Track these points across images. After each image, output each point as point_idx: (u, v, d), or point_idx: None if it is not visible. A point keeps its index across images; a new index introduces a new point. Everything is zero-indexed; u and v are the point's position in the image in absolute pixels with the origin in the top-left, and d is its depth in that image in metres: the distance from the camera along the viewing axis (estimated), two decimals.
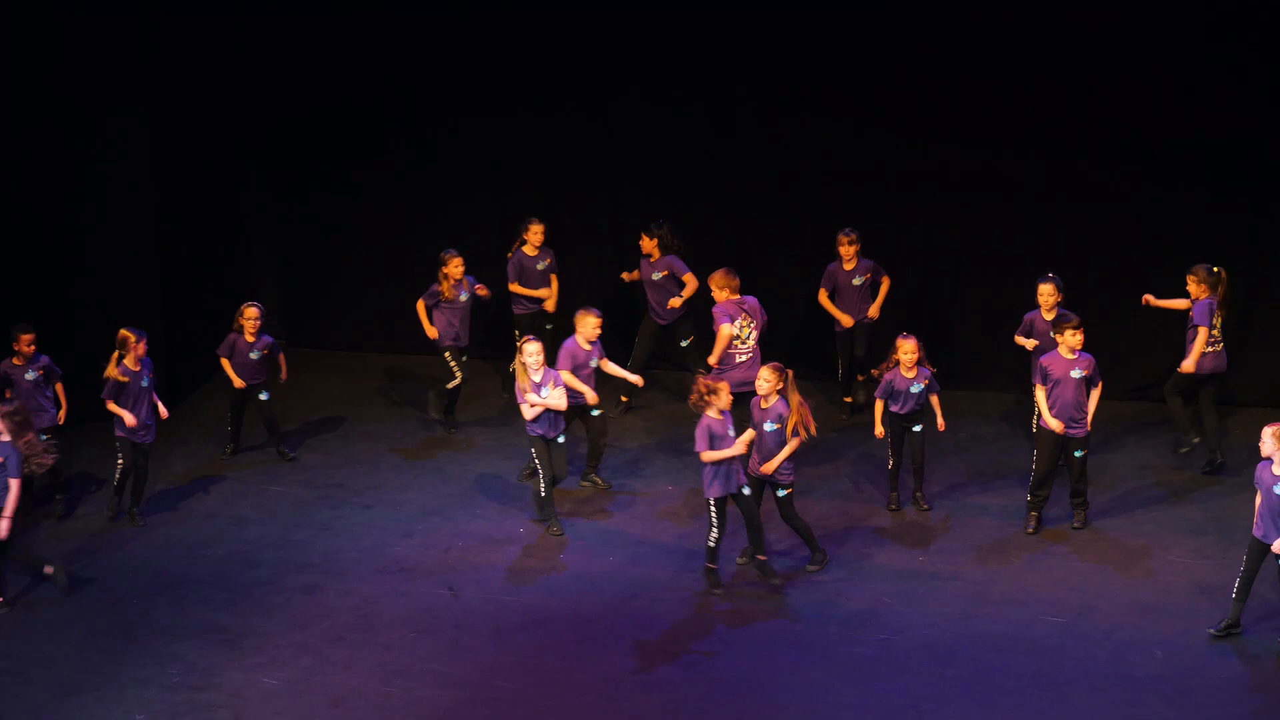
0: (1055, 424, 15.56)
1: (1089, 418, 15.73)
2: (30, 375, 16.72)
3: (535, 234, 19.01)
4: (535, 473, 16.41)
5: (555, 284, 19.19)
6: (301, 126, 20.95)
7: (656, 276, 18.82)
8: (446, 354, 18.44)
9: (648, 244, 18.79)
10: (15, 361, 16.74)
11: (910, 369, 16.06)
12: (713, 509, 14.85)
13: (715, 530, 14.89)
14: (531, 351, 15.98)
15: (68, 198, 18.79)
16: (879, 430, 16.34)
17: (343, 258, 21.26)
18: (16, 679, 13.70)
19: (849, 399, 18.89)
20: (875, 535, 16.02)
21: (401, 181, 20.79)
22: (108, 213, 19.04)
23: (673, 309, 18.78)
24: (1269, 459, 13.77)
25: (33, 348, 16.78)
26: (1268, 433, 13.72)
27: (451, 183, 20.63)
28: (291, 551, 16.06)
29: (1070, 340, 15.70)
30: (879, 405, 16.32)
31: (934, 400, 16.28)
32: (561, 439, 16.26)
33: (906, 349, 16.03)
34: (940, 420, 16.30)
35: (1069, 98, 18.45)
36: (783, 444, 14.99)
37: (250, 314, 17.76)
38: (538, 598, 15.02)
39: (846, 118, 19.16)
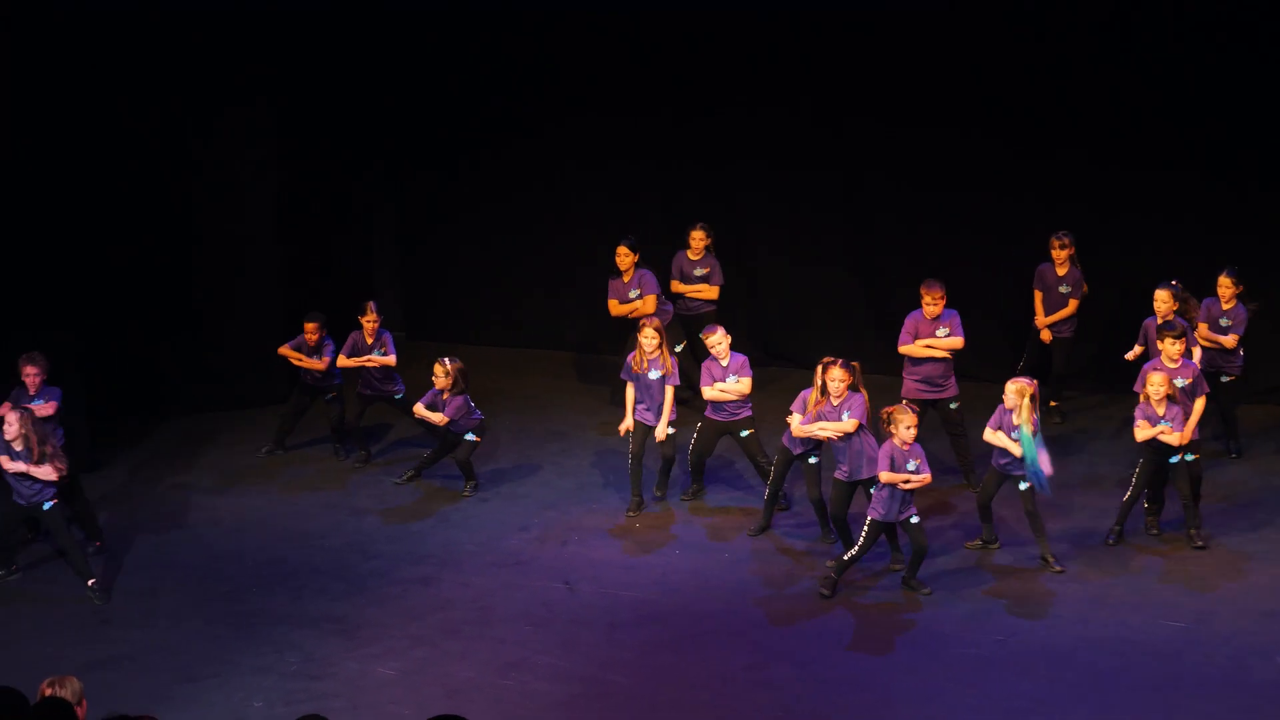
0: (1141, 433, 15.34)
1: (1190, 427, 15.33)
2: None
3: (696, 239, 18.82)
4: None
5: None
6: (423, 117, 21.10)
7: (634, 295, 18.58)
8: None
9: (627, 259, 18.48)
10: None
11: (1159, 402, 15.19)
12: (865, 528, 14.72)
13: (856, 549, 14.74)
14: (836, 378, 15.31)
15: (189, 185, 18.98)
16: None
17: (461, 250, 21.41)
18: (137, 665, 13.87)
19: (1055, 403, 18.63)
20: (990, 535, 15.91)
21: (521, 175, 20.89)
22: (227, 200, 19.24)
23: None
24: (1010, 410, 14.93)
25: (317, 335, 17.67)
26: (1010, 388, 14.81)
27: (569, 179, 20.74)
28: (408, 543, 16.16)
29: (1170, 349, 15.50)
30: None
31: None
32: (814, 459, 15.74)
33: (1154, 382, 15.19)
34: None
35: (1192, 111, 18.29)
36: (867, 440, 14.96)
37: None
38: (652, 593, 15.03)
39: (967, 123, 19.07)
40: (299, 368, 17.90)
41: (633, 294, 18.61)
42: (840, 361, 15.17)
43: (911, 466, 14.48)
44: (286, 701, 13.14)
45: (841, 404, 15.04)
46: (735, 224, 19.86)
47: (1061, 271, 18.07)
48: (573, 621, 14.53)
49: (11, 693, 8.34)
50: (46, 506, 14.94)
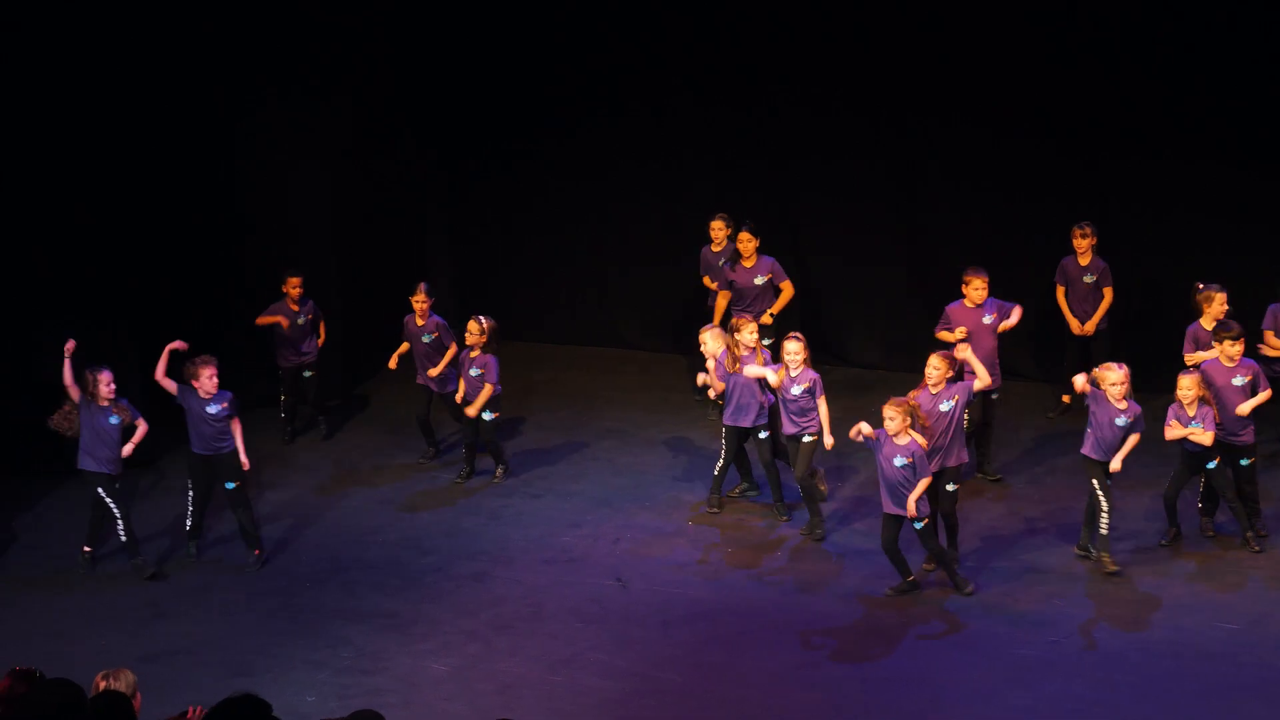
0: (1171, 432, 15.20)
1: (1250, 406, 15.25)
2: (301, 320, 18.23)
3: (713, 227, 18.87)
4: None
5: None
6: (477, 112, 21.14)
7: (759, 281, 18.36)
8: None
9: (749, 245, 18.30)
10: (292, 306, 18.24)
11: (1190, 404, 15.04)
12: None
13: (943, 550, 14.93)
14: (791, 351, 15.72)
15: (239, 180, 19.06)
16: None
17: (515, 246, 21.46)
18: (191, 659, 13.97)
19: (1067, 398, 18.61)
20: (1047, 537, 15.84)
21: (575, 171, 20.93)
22: (278, 197, 19.35)
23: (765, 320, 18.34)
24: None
25: (300, 289, 18.14)
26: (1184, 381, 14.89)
27: (622, 175, 20.74)
28: (461, 539, 16.21)
29: (1230, 350, 15.38)
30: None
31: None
32: (809, 438, 15.86)
33: (1184, 385, 15.04)
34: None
35: (1250, 111, 18.19)
36: (959, 428, 14.91)
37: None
38: (704, 591, 15.04)
39: (1018, 123, 19.04)
40: (279, 358, 18.27)
41: (758, 280, 18.39)
42: (944, 353, 15.16)
43: (900, 463, 14.43)
44: (339, 696, 13.18)
45: (940, 394, 14.99)
46: (789, 221, 19.85)
47: (1084, 261, 18.00)
48: (624, 619, 14.55)
49: (69, 685, 8.39)
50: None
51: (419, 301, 17.58)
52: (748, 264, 18.37)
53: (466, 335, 17.05)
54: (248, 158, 19.04)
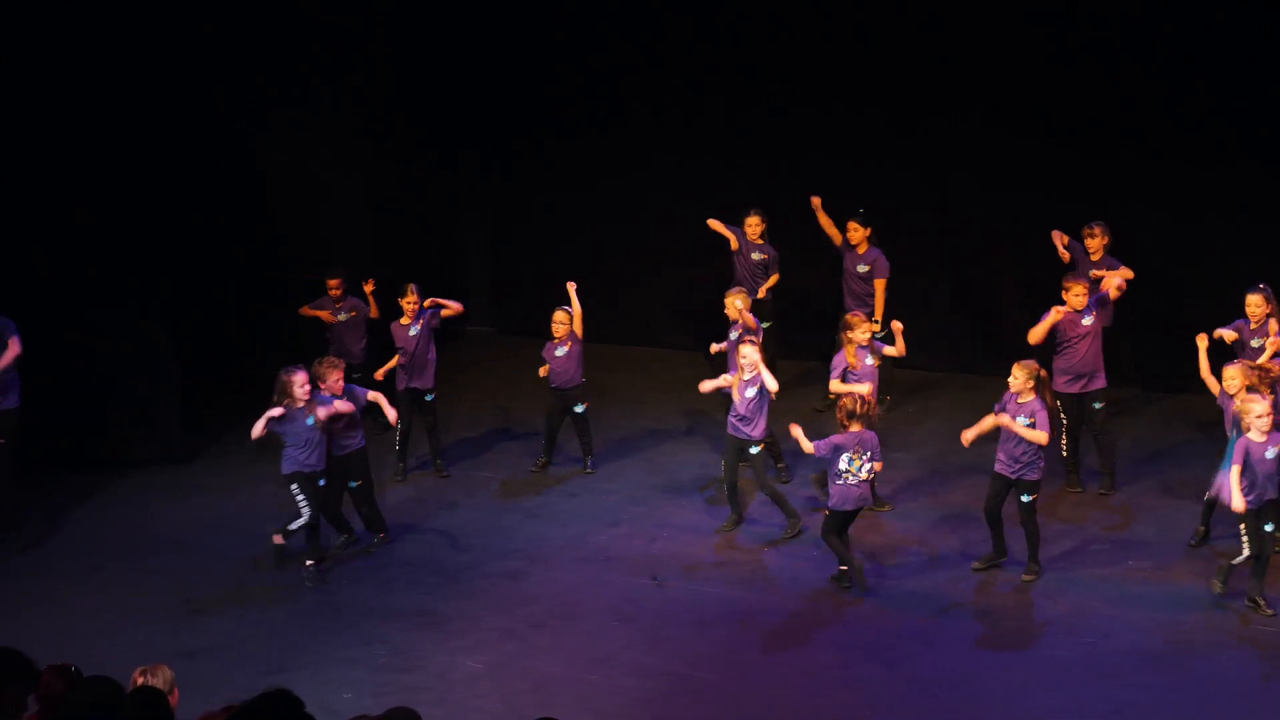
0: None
1: None
2: (343, 316, 18.34)
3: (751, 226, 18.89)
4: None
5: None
6: (512, 113, 21.15)
7: (862, 269, 18.46)
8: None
9: (858, 234, 18.41)
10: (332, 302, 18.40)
11: (1238, 395, 14.64)
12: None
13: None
14: (746, 354, 15.70)
15: (238, 178, 19.05)
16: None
17: (551, 246, 21.45)
18: (227, 655, 14.01)
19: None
20: (1084, 538, 15.81)
21: (610, 171, 20.95)
22: (281, 196, 19.35)
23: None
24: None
25: (340, 290, 18.29)
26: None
27: (654, 173, 20.75)
28: (498, 537, 16.23)
29: None
30: None
31: None
32: (754, 449, 15.87)
33: (1229, 375, 14.75)
34: None
35: (1250, 111, 18.13)
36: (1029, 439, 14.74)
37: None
38: (739, 591, 15.03)
39: (1021, 125, 19.05)
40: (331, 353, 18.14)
41: (861, 268, 18.47)
42: (1026, 363, 14.83)
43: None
44: (375, 694, 13.16)
45: (1025, 405, 14.76)
46: (798, 217, 19.80)
47: (1095, 259, 17.92)
48: (660, 618, 14.54)
49: (107, 681, 8.43)
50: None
51: (409, 303, 17.47)
52: (858, 251, 18.44)
53: (555, 326, 17.20)
54: (247, 158, 19.02)
